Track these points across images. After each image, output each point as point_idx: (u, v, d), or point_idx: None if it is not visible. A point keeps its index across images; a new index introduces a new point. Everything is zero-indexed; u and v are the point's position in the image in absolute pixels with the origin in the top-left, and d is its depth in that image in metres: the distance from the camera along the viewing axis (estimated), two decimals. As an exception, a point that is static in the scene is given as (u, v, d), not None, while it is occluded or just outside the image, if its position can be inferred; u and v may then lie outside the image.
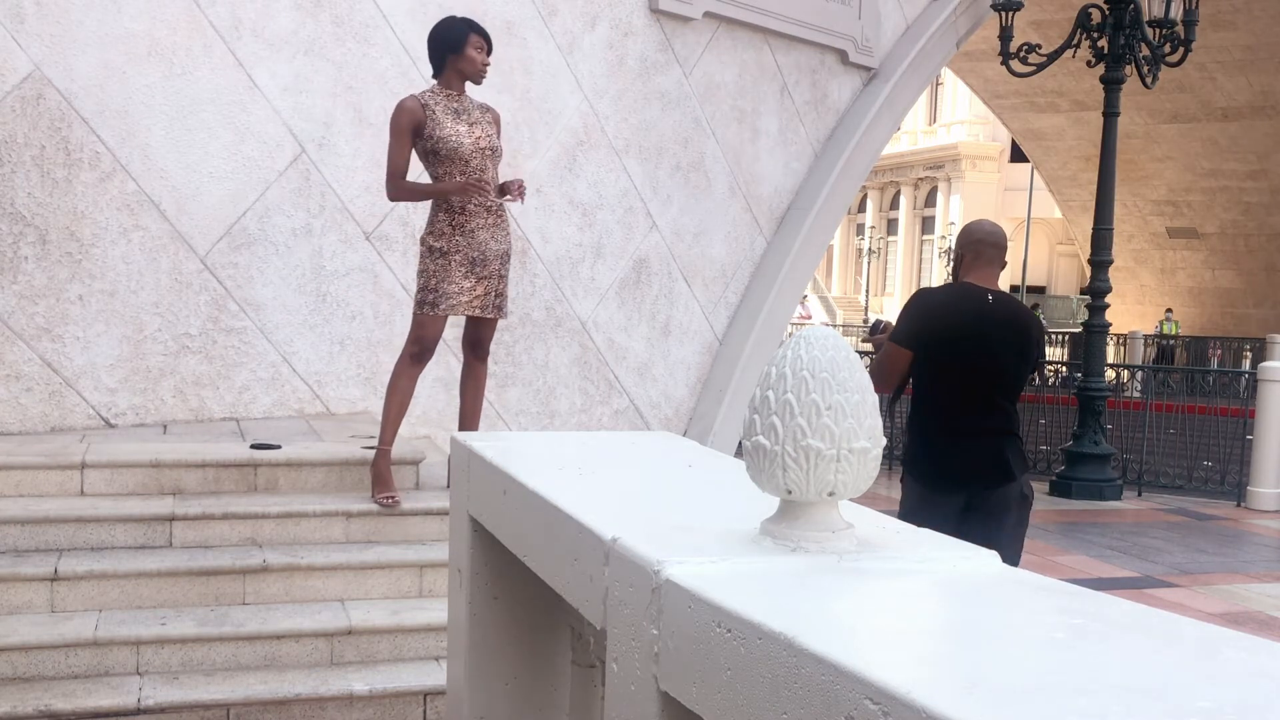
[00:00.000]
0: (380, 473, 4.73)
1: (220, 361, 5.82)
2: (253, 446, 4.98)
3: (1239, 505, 10.12)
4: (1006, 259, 4.04)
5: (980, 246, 3.95)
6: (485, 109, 4.77)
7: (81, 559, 4.22)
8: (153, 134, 5.57)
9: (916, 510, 3.81)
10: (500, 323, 4.95)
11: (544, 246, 7.07)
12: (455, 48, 4.64)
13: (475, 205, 4.60)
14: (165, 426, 5.61)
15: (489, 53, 4.71)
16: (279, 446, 4.99)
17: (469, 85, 4.75)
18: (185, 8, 5.61)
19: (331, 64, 6.08)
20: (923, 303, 4.08)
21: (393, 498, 4.69)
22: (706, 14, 7.84)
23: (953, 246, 4.51)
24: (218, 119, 5.75)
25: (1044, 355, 4.18)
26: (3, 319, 5.26)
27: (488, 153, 4.65)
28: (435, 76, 4.73)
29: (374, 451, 4.79)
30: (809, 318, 29.77)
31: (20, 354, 5.30)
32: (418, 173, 4.85)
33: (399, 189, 4.67)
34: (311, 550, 4.51)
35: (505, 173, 4.85)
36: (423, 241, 4.66)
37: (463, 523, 2.17)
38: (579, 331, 7.30)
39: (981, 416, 3.82)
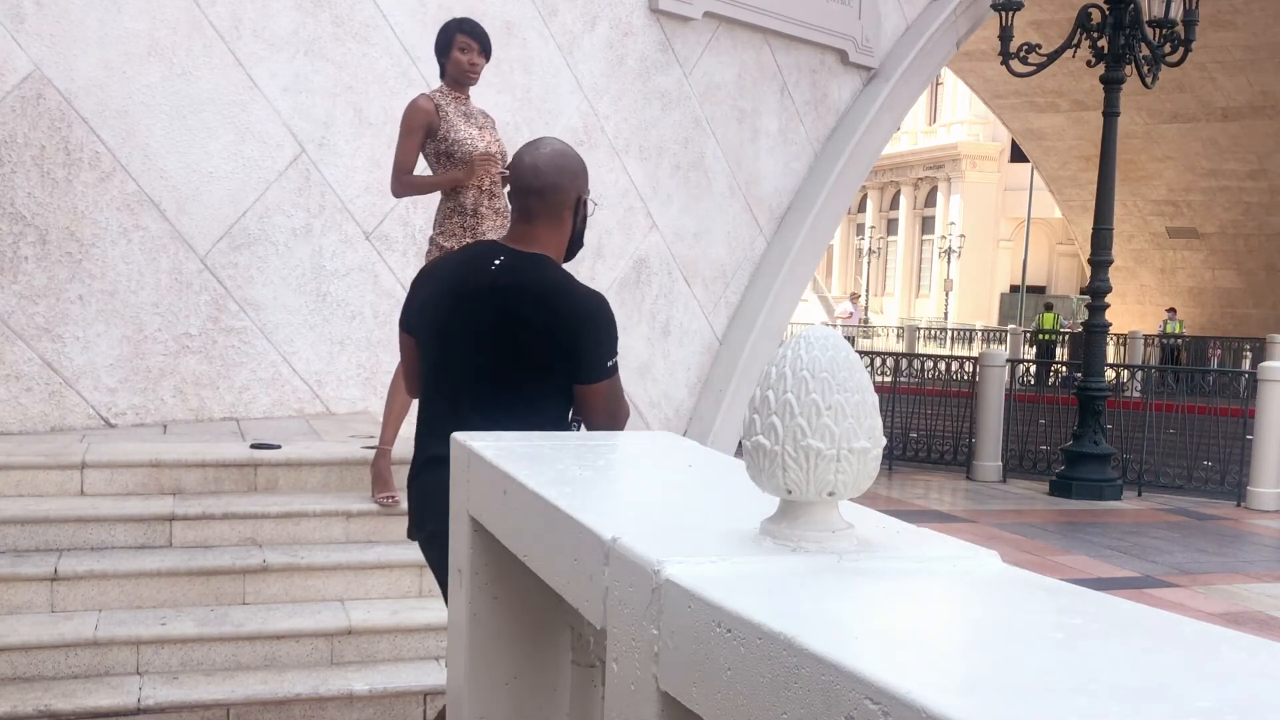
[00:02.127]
0: (380, 472, 4.73)
1: (220, 361, 5.82)
2: (253, 446, 4.98)
3: (1239, 505, 10.11)
4: (578, 199, 2.68)
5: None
6: (485, 114, 4.76)
7: (81, 559, 4.22)
8: (153, 134, 5.57)
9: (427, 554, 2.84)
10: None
11: (544, 246, 7.06)
12: (444, 50, 4.62)
13: (486, 208, 4.59)
14: (165, 426, 5.61)
15: (486, 53, 4.65)
16: (279, 446, 4.99)
17: (470, 89, 4.73)
18: (185, 8, 5.61)
19: (331, 64, 6.08)
20: (422, 270, 2.96)
21: (393, 497, 4.70)
22: (706, 14, 7.84)
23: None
24: (218, 119, 5.75)
25: (580, 357, 2.58)
26: (3, 319, 5.26)
27: (499, 158, 4.64)
28: (442, 78, 4.71)
29: (374, 451, 4.80)
30: (849, 317, 28.56)
31: (20, 354, 5.30)
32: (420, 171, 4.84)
33: (405, 185, 4.62)
34: (311, 550, 4.51)
35: (504, 173, 4.84)
36: (432, 241, 4.61)
37: (463, 523, 2.17)
38: (579, 331, 7.29)
39: (460, 430, 2.25)
